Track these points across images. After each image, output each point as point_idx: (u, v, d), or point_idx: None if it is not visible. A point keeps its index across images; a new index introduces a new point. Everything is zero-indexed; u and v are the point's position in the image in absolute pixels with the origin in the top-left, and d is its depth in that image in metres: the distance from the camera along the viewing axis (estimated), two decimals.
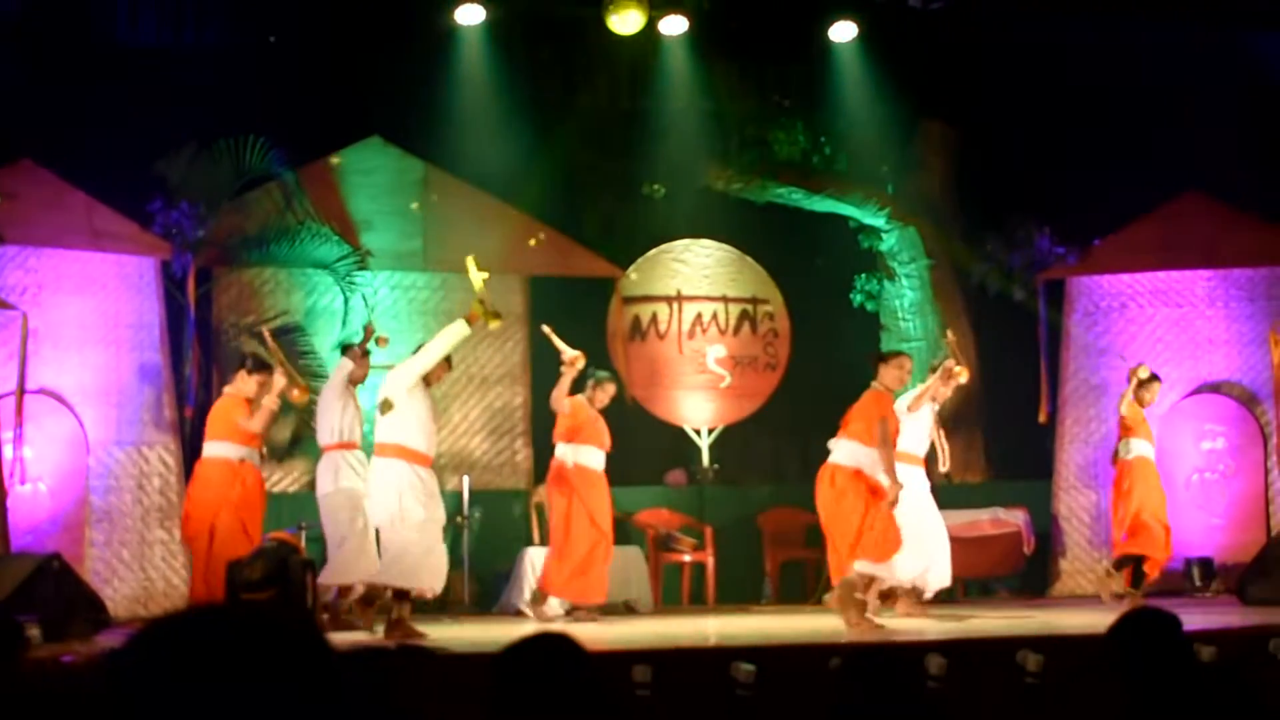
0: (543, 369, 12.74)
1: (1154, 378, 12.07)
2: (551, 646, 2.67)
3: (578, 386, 11.43)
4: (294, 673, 1.48)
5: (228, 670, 1.46)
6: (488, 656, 2.86)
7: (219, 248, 12.51)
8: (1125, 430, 12.00)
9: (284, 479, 12.71)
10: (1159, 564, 11.92)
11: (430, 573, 9.75)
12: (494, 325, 10.27)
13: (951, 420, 14.59)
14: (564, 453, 11.33)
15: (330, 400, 10.62)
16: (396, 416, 9.86)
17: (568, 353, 11.22)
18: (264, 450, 10.87)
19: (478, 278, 10.21)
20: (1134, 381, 11.98)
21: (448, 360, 10.24)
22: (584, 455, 11.33)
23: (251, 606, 1.54)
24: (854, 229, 15.16)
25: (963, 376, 11.40)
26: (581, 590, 11.14)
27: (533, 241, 13.55)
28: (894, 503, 9.84)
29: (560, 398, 11.30)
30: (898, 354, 10.59)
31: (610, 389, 11.55)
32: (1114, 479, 12.19)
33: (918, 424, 11.13)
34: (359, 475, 10.38)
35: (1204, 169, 13.63)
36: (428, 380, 10.03)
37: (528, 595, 11.50)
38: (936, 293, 15.01)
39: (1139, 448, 11.97)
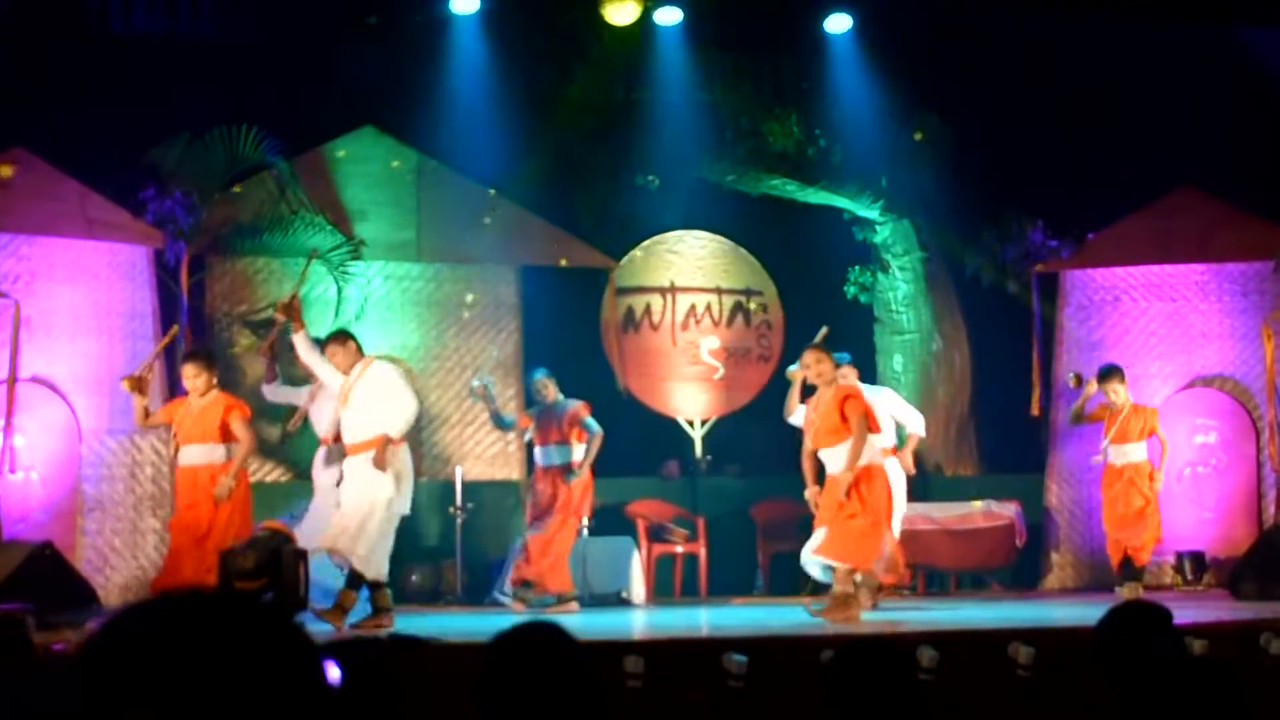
0: (535, 360, 12.73)
1: (1108, 373, 12.08)
2: (541, 635, 2.67)
3: (529, 400, 11.93)
4: (266, 662, 1.47)
5: (197, 658, 1.45)
6: (480, 646, 2.86)
7: (212, 237, 12.50)
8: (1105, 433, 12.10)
9: (274, 470, 12.71)
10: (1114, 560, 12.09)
11: (334, 531, 9.73)
12: (280, 316, 10.35)
13: (944, 413, 14.63)
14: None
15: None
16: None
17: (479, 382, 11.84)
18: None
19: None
20: (1085, 394, 12.06)
21: (333, 343, 9.99)
22: (536, 455, 11.68)
23: (227, 595, 1.53)
24: (848, 221, 15.16)
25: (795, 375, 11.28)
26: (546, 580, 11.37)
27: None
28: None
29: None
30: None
31: (541, 380, 11.64)
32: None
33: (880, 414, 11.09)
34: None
35: (1197, 163, 13.64)
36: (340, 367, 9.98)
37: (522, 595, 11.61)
38: (930, 285, 15.02)
39: (1106, 452, 12.08)
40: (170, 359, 11.99)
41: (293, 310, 9.99)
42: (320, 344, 10.03)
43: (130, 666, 1.44)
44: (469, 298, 13.43)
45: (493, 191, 13.53)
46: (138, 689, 1.43)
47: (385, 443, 9.56)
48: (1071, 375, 12.52)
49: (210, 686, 1.43)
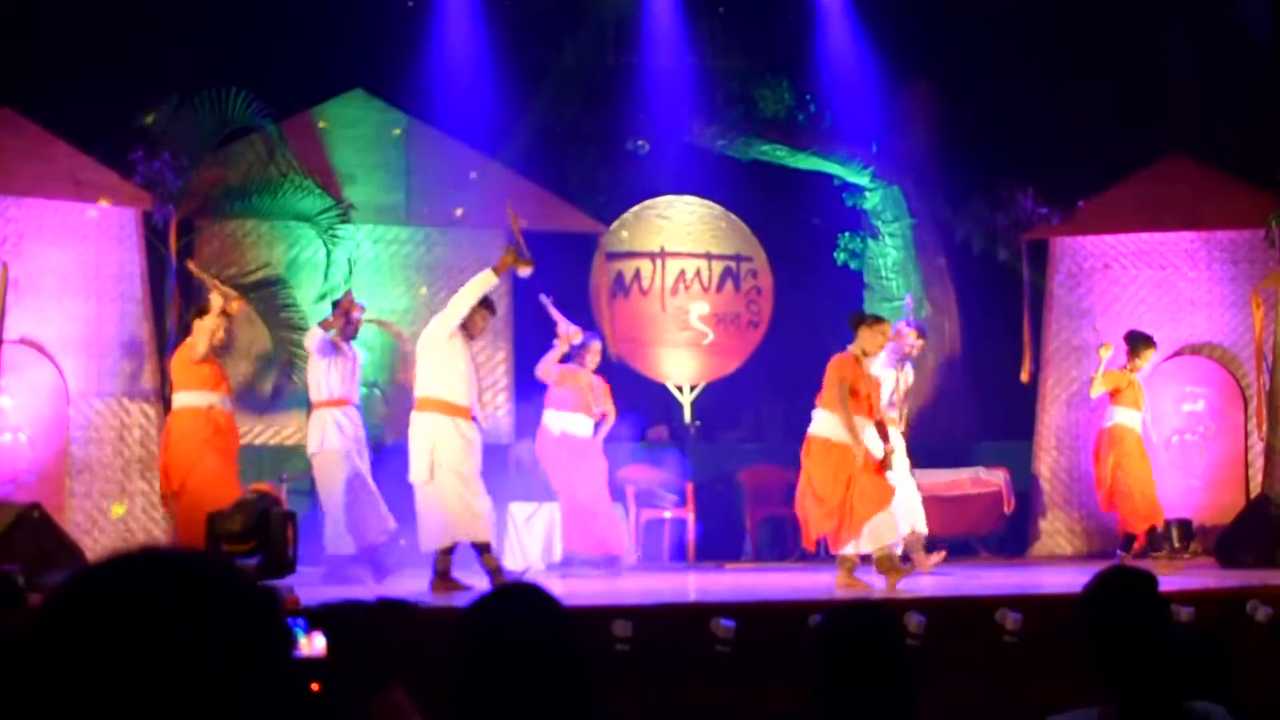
0: (525, 325, 12.73)
1: (1144, 343, 12.04)
2: (522, 597, 2.66)
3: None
4: (232, 625, 1.45)
5: (160, 620, 1.42)
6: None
7: (201, 199, 12.47)
8: (1110, 397, 12.04)
9: (264, 431, 12.69)
10: (1140, 531, 11.99)
11: (466, 524, 9.46)
12: (524, 271, 9.94)
13: (934, 379, 14.64)
14: (549, 420, 11.45)
15: (312, 359, 10.69)
16: (433, 370, 9.68)
17: (567, 327, 11.24)
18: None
19: (516, 225, 10.12)
20: (1102, 362, 12.02)
21: (490, 309, 9.95)
22: (569, 423, 11.41)
23: (201, 555, 1.50)
24: (838, 187, 15.15)
25: (913, 337, 11.47)
26: (598, 542, 11.34)
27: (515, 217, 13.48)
28: (868, 464, 9.69)
29: (549, 368, 11.34)
30: (879, 319, 10.21)
31: (595, 348, 11.61)
32: (1094, 446, 12.25)
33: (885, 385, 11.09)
34: (345, 433, 10.50)
35: (1188, 131, 13.63)
36: (470, 332, 9.83)
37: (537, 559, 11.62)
38: (920, 252, 15.01)
39: (1120, 415, 12.00)
40: (160, 319, 11.99)
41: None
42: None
43: (89, 625, 1.42)
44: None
45: (472, 177, 13.45)
46: (94, 648, 1.41)
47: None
48: (1102, 341, 12.35)
49: (170, 649, 1.41)
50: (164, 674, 1.40)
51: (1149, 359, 12.03)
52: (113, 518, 11.36)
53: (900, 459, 10.74)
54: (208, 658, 1.42)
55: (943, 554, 10.89)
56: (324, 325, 10.75)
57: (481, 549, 9.55)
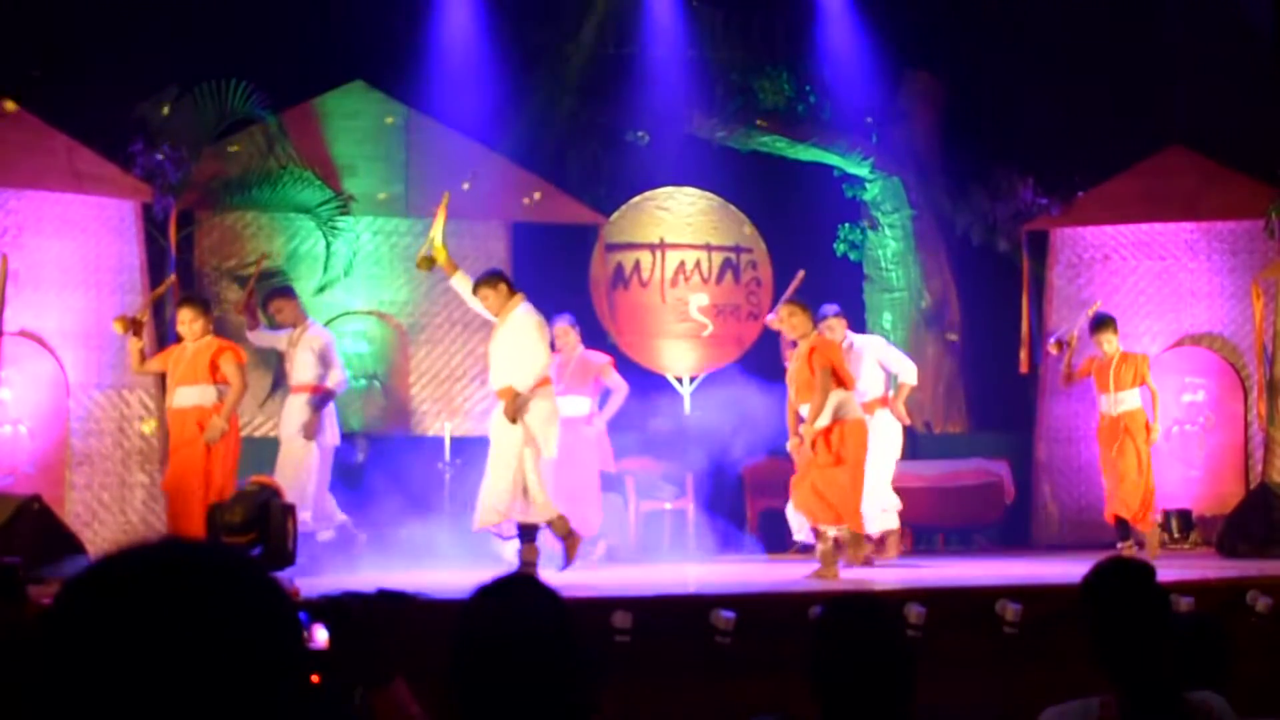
0: None
1: (1097, 325, 11.97)
2: (521, 589, 2.66)
3: None
4: (247, 616, 1.45)
5: (176, 611, 1.42)
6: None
7: (201, 191, 12.46)
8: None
9: (265, 423, 12.68)
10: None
11: (481, 510, 9.84)
12: (422, 269, 10.49)
13: (933, 371, 14.65)
14: None
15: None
16: None
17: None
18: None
19: (442, 215, 10.34)
20: (1066, 356, 12.04)
21: (491, 284, 9.96)
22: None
23: (210, 545, 1.50)
24: (838, 178, 15.14)
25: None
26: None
27: (527, 200, 13.52)
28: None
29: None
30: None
31: (560, 329, 11.56)
32: None
33: (861, 370, 11.09)
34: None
35: (1188, 122, 13.63)
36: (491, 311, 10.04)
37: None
38: (919, 243, 15.01)
39: (1099, 403, 12.02)
40: (159, 313, 11.98)
41: (438, 259, 10.08)
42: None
43: (104, 618, 1.42)
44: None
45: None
46: (109, 641, 1.41)
47: (513, 396, 9.65)
48: (1053, 343, 12.44)
49: (187, 640, 1.41)
50: (186, 665, 1.40)
51: (1107, 339, 11.85)
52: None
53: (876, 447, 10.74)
54: (228, 649, 1.42)
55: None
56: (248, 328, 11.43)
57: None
